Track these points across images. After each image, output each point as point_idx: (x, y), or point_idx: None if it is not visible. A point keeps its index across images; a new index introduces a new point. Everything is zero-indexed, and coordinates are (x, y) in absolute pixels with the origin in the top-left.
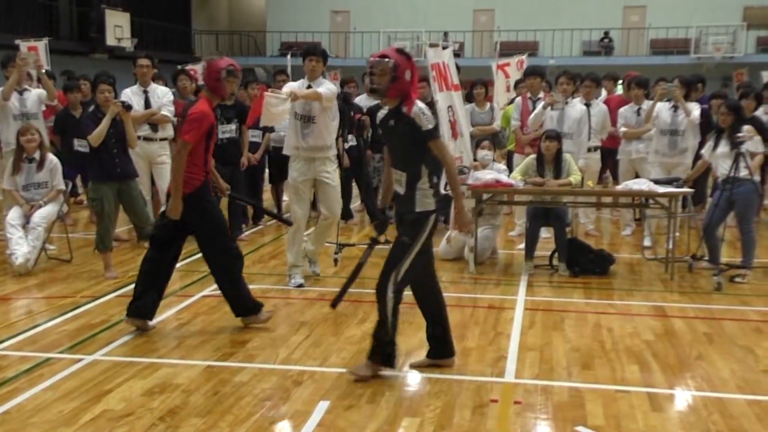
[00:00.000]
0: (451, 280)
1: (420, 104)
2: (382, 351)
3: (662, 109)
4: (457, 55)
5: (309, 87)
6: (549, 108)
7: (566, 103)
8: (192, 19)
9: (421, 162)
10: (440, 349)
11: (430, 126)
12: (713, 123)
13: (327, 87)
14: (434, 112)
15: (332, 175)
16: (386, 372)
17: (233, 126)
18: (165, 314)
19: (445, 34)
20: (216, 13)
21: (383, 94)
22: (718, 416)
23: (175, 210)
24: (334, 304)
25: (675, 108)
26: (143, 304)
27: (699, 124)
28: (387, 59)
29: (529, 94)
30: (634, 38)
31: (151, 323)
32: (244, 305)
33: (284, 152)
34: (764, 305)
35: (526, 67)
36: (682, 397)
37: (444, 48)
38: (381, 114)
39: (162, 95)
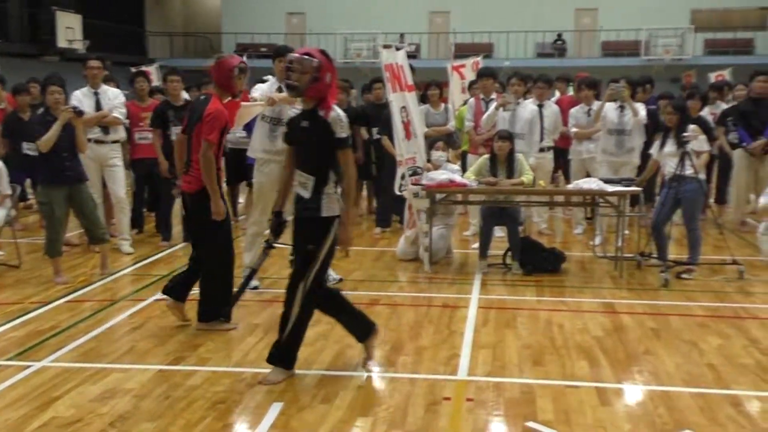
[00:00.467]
0: (407, 279)
1: (339, 111)
2: (286, 355)
3: (609, 109)
4: (413, 56)
5: (280, 89)
6: (501, 109)
7: (518, 103)
8: (145, 21)
9: (330, 167)
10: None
11: (344, 135)
12: (660, 123)
13: None
14: (387, 113)
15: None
16: (341, 372)
17: None
18: (116, 318)
19: (401, 35)
20: (170, 14)
21: (301, 93)
22: (664, 409)
23: (218, 211)
24: (225, 313)
25: (621, 108)
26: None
27: (646, 124)
28: (312, 58)
29: (482, 95)
30: (586, 40)
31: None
32: (214, 311)
33: (250, 155)
34: (709, 301)
35: (480, 68)
36: (630, 391)
37: (397, 49)
38: (292, 113)
39: (113, 97)
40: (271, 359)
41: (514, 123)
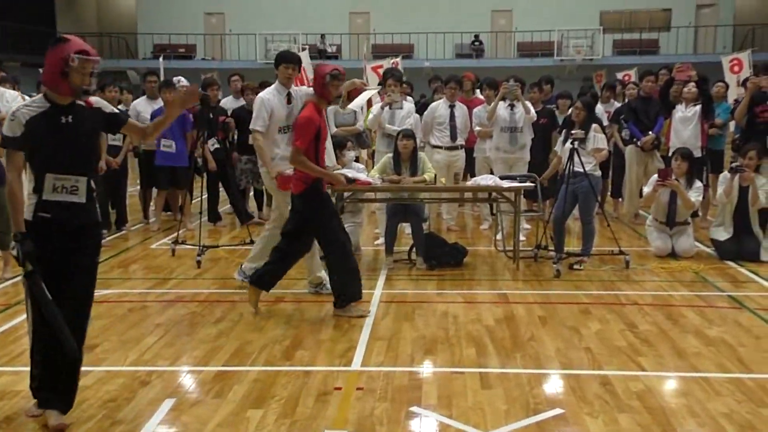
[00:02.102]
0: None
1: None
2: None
3: (500, 107)
4: (334, 56)
5: (288, 95)
6: (387, 107)
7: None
8: (56, 21)
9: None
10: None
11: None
12: (557, 122)
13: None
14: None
15: None
16: (237, 367)
17: None
18: (12, 322)
19: (322, 36)
20: (83, 14)
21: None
22: (539, 390)
23: (335, 179)
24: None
25: (512, 106)
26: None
27: (544, 122)
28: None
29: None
30: (502, 41)
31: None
32: (353, 292)
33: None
34: (595, 289)
35: (384, 70)
36: (510, 375)
37: (303, 50)
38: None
39: (11, 99)
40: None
41: (393, 121)
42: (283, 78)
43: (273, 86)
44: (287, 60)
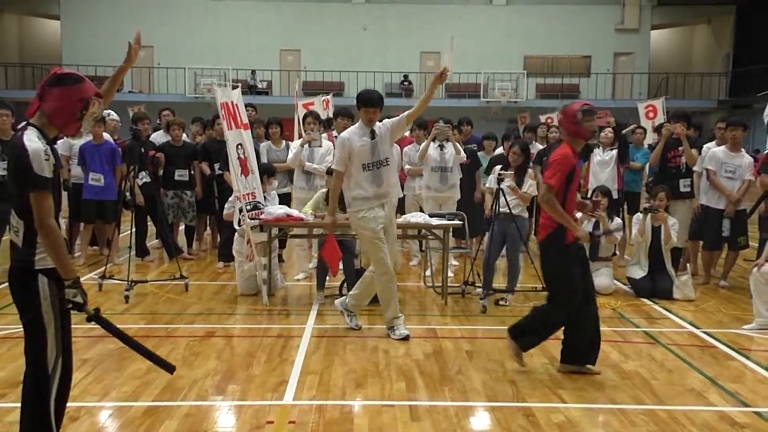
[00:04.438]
0: (245, 312)
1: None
2: None
3: (430, 148)
4: (265, 92)
5: (372, 132)
6: (307, 145)
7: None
8: None
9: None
10: None
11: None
12: (479, 161)
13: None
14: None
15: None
16: (168, 402)
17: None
18: None
19: (253, 72)
20: (3, 42)
21: None
22: (465, 422)
23: (581, 235)
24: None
25: (441, 147)
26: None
27: (468, 163)
28: None
29: (335, 133)
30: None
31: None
32: (579, 352)
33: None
34: None
35: (333, 108)
36: (438, 408)
37: (234, 88)
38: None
39: None
40: None
41: (313, 159)
42: (365, 119)
43: (356, 125)
44: (366, 104)
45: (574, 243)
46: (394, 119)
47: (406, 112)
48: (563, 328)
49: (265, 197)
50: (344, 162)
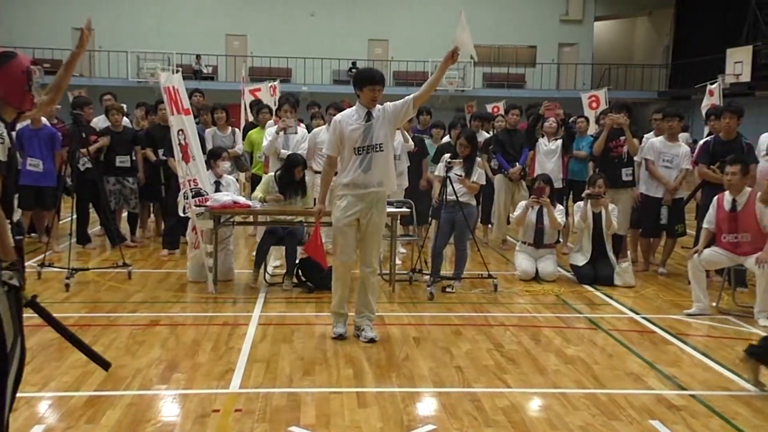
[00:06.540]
0: (191, 300)
1: None
2: None
3: None
4: (210, 78)
5: (368, 114)
6: (282, 132)
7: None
8: None
9: None
10: None
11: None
12: (427, 150)
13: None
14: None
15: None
16: (110, 392)
17: None
18: None
19: (198, 56)
20: None
21: None
22: (412, 408)
23: None
24: None
25: None
26: None
27: (415, 151)
28: None
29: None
30: (379, 69)
31: None
32: None
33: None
34: (466, 311)
35: (280, 94)
36: (386, 394)
37: (175, 72)
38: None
39: None
40: None
41: (288, 146)
42: (369, 98)
43: (353, 107)
44: (371, 81)
45: None
46: (398, 102)
47: (412, 95)
48: None
49: (219, 182)
50: (335, 146)
